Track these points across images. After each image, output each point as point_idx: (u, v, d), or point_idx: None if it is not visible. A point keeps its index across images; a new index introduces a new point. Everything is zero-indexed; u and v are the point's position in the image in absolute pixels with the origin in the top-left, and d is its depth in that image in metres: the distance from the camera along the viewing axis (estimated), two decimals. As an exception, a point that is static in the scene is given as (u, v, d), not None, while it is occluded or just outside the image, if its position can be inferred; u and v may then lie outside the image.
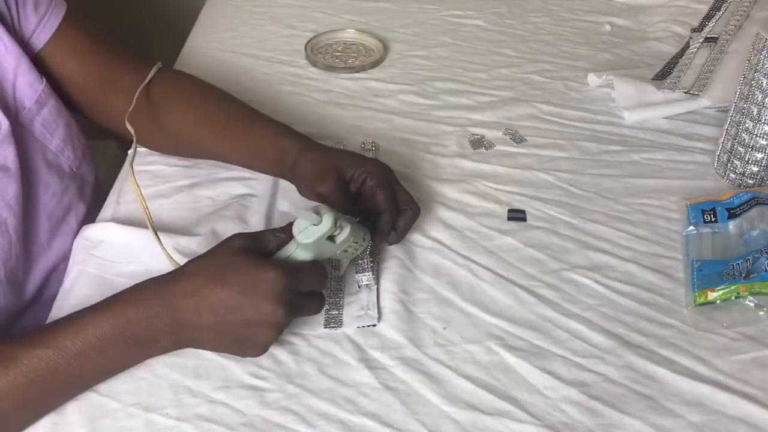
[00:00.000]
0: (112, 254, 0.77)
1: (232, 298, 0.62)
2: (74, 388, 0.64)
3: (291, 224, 0.65)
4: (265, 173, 0.85)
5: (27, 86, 0.78)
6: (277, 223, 0.81)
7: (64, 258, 0.80)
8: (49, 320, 0.71)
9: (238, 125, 0.84)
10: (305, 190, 0.79)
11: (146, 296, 0.63)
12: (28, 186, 0.77)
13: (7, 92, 0.76)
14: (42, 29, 0.81)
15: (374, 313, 0.71)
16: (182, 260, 0.75)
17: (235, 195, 0.85)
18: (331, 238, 0.66)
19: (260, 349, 0.65)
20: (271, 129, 0.83)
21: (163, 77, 0.86)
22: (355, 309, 0.72)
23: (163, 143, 0.89)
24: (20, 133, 0.76)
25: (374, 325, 0.70)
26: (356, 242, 0.69)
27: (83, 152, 0.85)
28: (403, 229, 0.77)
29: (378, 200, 0.74)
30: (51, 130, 0.80)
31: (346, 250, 0.69)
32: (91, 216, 0.85)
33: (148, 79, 0.84)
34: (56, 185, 0.80)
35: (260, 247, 0.66)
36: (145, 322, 0.62)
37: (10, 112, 0.75)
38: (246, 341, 0.64)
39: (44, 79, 0.79)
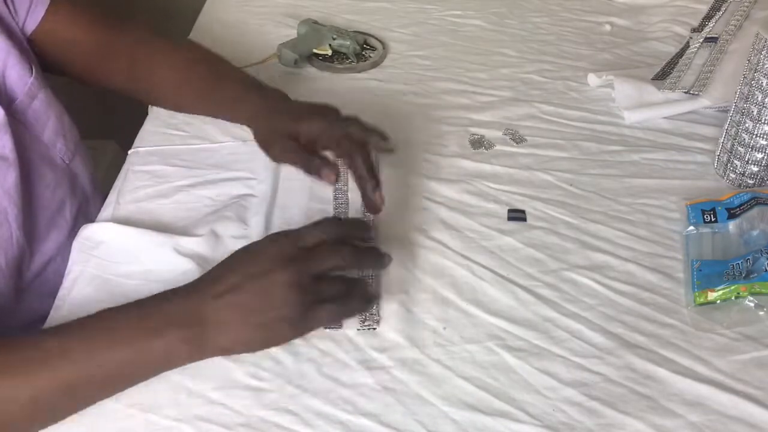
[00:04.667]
0: (112, 254, 0.77)
1: (236, 276, 0.63)
2: (99, 395, 0.63)
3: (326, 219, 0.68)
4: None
5: (17, 78, 0.78)
6: (277, 223, 0.81)
7: (59, 251, 0.81)
8: (49, 320, 0.71)
9: (208, 87, 0.90)
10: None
11: (170, 313, 0.63)
12: (25, 176, 0.77)
13: None
14: (35, 8, 0.83)
15: (376, 315, 0.71)
16: (182, 261, 0.75)
17: (235, 195, 0.85)
18: None
19: (291, 331, 0.64)
20: (231, 93, 0.89)
21: (149, 40, 0.92)
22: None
23: (149, 98, 0.96)
24: (14, 124, 0.77)
25: (374, 328, 0.70)
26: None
27: (75, 145, 0.86)
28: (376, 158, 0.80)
29: (336, 148, 0.79)
30: (42, 122, 0.81)
31: None
32: (86, 213, 0.86)
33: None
34: (50, 177, 0.81)
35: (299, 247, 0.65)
36: (168, 339, 0.62)
37: (2, 103, 0.76)
38: (272, 329, 0.63)
39: (33, 71, 0.80)
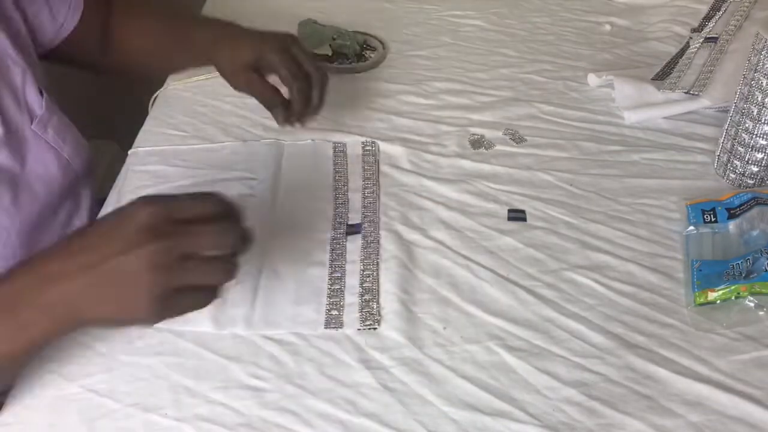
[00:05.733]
0: (111, 254, 0.77)
1: (96, 237, 0.55)
2: None
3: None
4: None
5: (34, 95, 0.80)
6: (277, 223, 0.81)
7: None
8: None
9: (170, 39, 0.93)
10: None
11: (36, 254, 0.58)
12: (42, 191, 0.79)
13: (19, 100, 0.78)
14: (64, 28, 0.86)
15: (376, 315, 0.71)
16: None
17: (235, 195, 0.85)
18: None
19: (145, 303, 0.54)
20: (186, 29, 0.92)
21: (121, 11, 0.95)
22: (356, 310, 0.72)
23: (130, 70, 0.98)
24: (35, 141, 0.79)
25: (375, 328, 0.70)
26: None
27: (88, 159, 0.87)
28: (318, 99, 0.83)
29: (284, 79, 0.82)
30: (62, 136, 0.82)
31: None
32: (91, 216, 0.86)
33: None
34: (66, 190, 0.83)
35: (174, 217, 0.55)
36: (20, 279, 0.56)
37: (22, 120, 0.78)
38: (126, 303, 0.55)
39: (44, 93, 0.82)
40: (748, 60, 0.83)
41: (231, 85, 0.87)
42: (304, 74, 0.83)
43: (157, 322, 0.56)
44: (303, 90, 0.82)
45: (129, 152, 0.92)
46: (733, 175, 0.88)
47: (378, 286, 0.74)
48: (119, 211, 0.56)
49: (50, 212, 0.81)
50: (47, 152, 0.80)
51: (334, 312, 0.72)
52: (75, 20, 0.87)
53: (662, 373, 0.67)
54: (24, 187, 0.77)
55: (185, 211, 0.55)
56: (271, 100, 0.84)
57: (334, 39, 1.10)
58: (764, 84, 0.81)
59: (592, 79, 1.05)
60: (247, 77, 0.84)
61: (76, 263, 0.54)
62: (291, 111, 0.84)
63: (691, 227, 0.80)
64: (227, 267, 0.56)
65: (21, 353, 0.57)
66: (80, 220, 0.85)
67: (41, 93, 0.81)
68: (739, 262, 0.74)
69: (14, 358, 0.58)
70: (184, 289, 0.54)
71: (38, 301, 0.55)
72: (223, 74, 0.88)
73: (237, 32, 0.88)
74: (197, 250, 0.54)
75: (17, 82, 0.78)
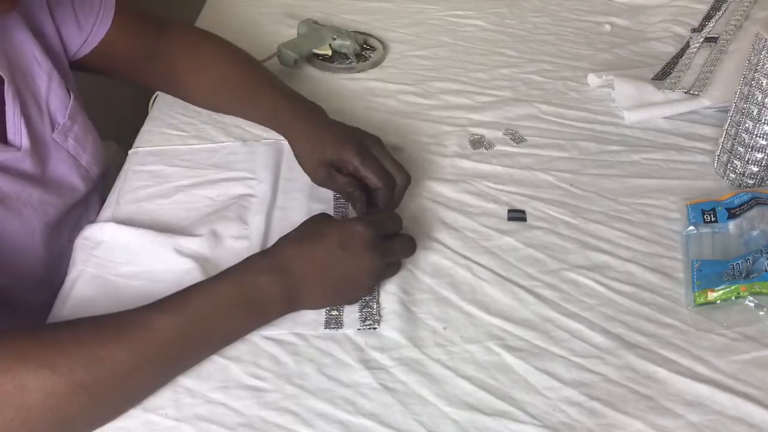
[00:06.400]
0: (112, 254, 0.77)
1: (333, 253, 0.68)
2: (201, 352, 0.66)
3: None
4: None
5: (59, 102, 0.81)
6: (277, 223, 0.81)
7: None
8: (50, 319, 0.71)
9: (246, 91, 0.92)
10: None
11: (259, 265, 0.68)
12: (58, 197, 0.80)
13: (41, 108, 0.79)
14: (89, 41, 0.87)
15: (376, 315, 0.71)
16: (183, 261, 0.75)
17: (235, 195, 0.85)
18: None
19: (364, 293, 0.72)
20: (269, 103, 0.90)
21: (185, 39, 0.94)
22: (356, 310, 0.72)
23: (187, 98, 0.98)
24: (55, 149, 0.80)
25: (375, 328, 0.70)
26: None
27: (105, 164, 0.89)
28: (396, 200, 0.81)
29: (367, 181, 0.80)
30: (82, 145, 0.84)
31: None
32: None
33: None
34: (82, 196, 0.84)
35: (384, 233, 0.72)
36: (261, 287, 0.67)
37: (44, 128, 0.79)
38: (350, 291, 0.71)
39: (72, 95, 0.82)
40: (748, 60, 0.83)
41: (310, 178, 0.85)
42: (387, 176, 0.80)
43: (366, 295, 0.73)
44: (387, 197, 0.80)
45: (129, 152, 0.92)
46: (733, 175, 0.88)
47: (378, 286, 0.74)
48: (340, 228, 0.69)
49: (66, 215, 0.82)
50: (67, 161, 0.82)
51: (334, 312, 0.72)
52: (101, 33, 0.87)
53: (662, 373, 0.67)
54: (47, 190, 0.79)
55: (387, 228, 0.73)
56: (351, 196, 0.80)
57: (334, 39, 1.10)
58: (764, 84, 0.81)
59: (592, 79, 1.05)
60: (327, 174, 0.82)
61: (307, 275, 0.68)
62: (371, 206, 0.81)
63: (691, 227, 0.80)
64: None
65: (249, 333, 0.69)
66: (87, 220, 0.86)
67: (69, 95, 0.82)
68: (739, 262, 0.74)
69: (243, 335, 0.69)
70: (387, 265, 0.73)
71: (281, 303, 0.68)
72: (301, 164, 0.86)
73: (319, 126, 0.85)
74: (393, 257, 0.73)
75: (42, 88, 0.79)
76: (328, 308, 0.72)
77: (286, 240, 0.70)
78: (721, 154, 0.89)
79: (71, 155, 0.82)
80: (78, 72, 0.89)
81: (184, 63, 0.93)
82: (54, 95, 0.81)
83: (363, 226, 0.69)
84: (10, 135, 0.76)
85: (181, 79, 0.94)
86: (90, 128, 0.86)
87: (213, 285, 0.66)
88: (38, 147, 0.78)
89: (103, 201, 0.87)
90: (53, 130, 0.81)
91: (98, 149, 0.87)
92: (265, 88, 0.91)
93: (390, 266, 0.74)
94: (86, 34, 0.86)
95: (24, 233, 0.76)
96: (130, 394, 0.62)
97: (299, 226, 0.71)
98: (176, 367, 0.65)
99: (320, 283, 0.68)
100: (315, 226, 0.71)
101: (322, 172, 0.82)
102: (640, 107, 1.00)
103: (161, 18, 0.94)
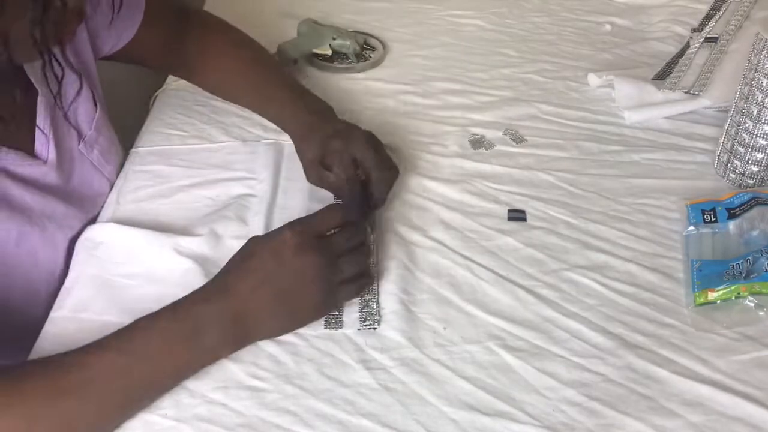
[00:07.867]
0: (112, 254, 0.77)
1: (267, 264, 0.66)
2: (146, 393, 0.63)
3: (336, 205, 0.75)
4: None
5: (84, 113, 0.81)
6: (277, 223, 0.81)
7: None
8: (50, 319, 0.71)
9: (260, 87, 0.92)
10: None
11: (195, 296, 0.66)
12: (81, 210, 0.80)
13: (69, 119, 0.79)
14: (120, 41, 0.87)
15: (376, 315, 0.71)
16: (183, 261, 0.75)
17: (235, 195, 0.85)
18: None
19: (323, 299, 0.69)
20: (281, 106, 0.90)
21: (203, 30, 0.95)
22: (356, 310, 0.72)
23: (205, 87, 0.98)
24: (80, 160, 0.80)
25: (375, 328, 0.70)
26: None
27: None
28: (383, 193, 0.81)
29: (337, 176, 0.81)
30: (106, 157, 0.84)
31: None
32: None
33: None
34: (100, 206, 0.84)
35: (316, 232, 0.69)
36: (200, 314, 0.64)
37: (70, 140, 0.79)
38: (303, 301, 0.68)
39: (98, 107, 0.83)
40: (748, 60, 0.83)
41: (306, 178, 0.86)
42: (388, 167, 0.81)
43: (321, 317, 0.70)
44: (386, 179, 0.81)
45: (129, 152, 0.92)
46: (733, 175, 0.88)
47: (378, 286, 0.74)
48: (269, 240, 0.68)
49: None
50: (91, 173, 0.82)
51: (334, 312, 0.71)
52: (132, 32, 0.87)
53: (662, 373, 0.66)
54: (71, 203, 0.78)
55: (321, 224, 0.69)
56: (339, 193, 0.82)
57: (334, 39, 1.10)
58: (764, 84, 0.81)
59: (593, 79, 1.05)
60: (318, 173, 0.83)
61: (248, 289, 0.65)
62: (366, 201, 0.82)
63: (691, 227, 0.80)
64: (364, 251, 0.72)
65: (200, 369, 0.65)
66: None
67: (95, 106, 0.82)
68: (739, 262, 0.74)
69: (194, 372, 0.65)
70: (342, 283, 0.69)
71: (219, 326, 0.64)
72: (302, 162, 0.86)
73: (312, 126, 0.85)
74: (343, 250, 0.69)
75: (70, 97, 0.78)
76: (327, 308, 0.72)
77: (221, 270, 0.68)
78: (721, 154, 0.89)
79: (95, 167, 0.82)
80: None
81: (207, 54, 0.94)
82: (82, 106, 0.80)
83: (288, 229, 0.68)
84: (38, 147, 0.75)
85: (204, 69, 0.95)
86: (114, 140, 0.86)
87: (150, 320, 0.64)
88: (64, 159, 0.77)
89: None
90: (79, 141, 0.80)
91: (120, 161, 0.88)
92: (275, 87, 0.92)
93: (358, 276, 0.71)
94: (118, 34, 0.86)
95: (47, 248, 0.75)
96: None
97: (270, 234, 0.70)
98: (125, 409, 0.62)
99: (267, 303, 0.66)
100: (246, 247, 0.69)
101: (313, 171, 0.84)
102: (640, 107, 0.99)
103: (181, 5, 0.95)
